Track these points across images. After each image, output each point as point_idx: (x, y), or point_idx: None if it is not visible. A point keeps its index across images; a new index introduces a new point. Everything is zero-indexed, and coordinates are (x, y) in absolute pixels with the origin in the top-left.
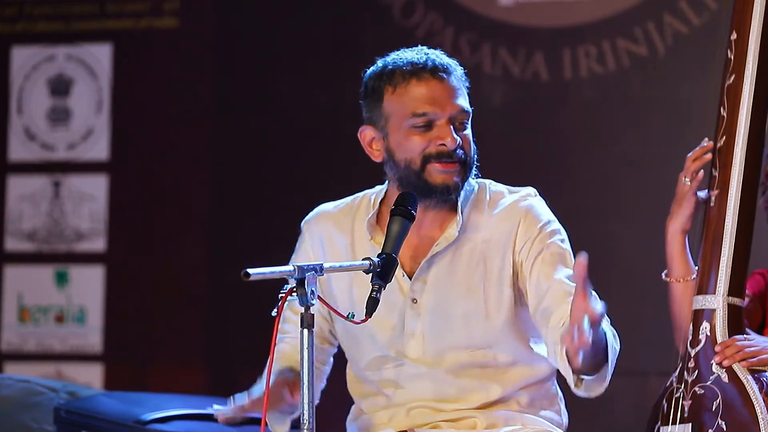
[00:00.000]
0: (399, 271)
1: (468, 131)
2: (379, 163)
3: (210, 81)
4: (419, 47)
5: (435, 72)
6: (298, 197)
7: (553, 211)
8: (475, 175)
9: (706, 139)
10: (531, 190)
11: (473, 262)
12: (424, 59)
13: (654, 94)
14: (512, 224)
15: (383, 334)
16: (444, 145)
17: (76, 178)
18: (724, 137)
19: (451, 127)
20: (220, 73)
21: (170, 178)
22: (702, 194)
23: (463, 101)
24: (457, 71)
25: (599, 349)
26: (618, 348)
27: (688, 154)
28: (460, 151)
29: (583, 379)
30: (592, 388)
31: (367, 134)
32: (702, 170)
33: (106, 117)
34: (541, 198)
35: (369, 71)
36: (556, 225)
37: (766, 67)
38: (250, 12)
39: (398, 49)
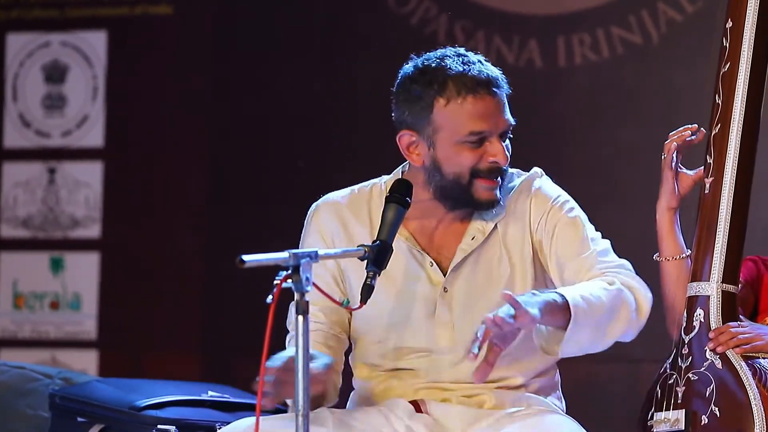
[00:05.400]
0: (427, 261)
1: (508, 141)
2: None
3: (205, 68)
4: (462, 51)
5: (490, 87)
6: (294, 184)
7: None
8: None
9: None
10: (537, 170)
11: (498, 250)
12: (478, 72)
13: (648, 82)
14: (524, 205)
15: (412, 323)
16: (496, 162)
17: (71, 164)
18: (719, 125)
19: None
20: (216, 60)
21: (166, 165)
22: (691, 172)
23: (509, 114)
24: (504, 81)
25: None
26: (607, 297)
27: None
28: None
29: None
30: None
31: (406, 139)
32: (675, 144)
33: (101, 104)
34: (547, 177)
35: (409, 72)
36: (565, 197)
37: (762, 55)
38: None
39: (395, 39)
